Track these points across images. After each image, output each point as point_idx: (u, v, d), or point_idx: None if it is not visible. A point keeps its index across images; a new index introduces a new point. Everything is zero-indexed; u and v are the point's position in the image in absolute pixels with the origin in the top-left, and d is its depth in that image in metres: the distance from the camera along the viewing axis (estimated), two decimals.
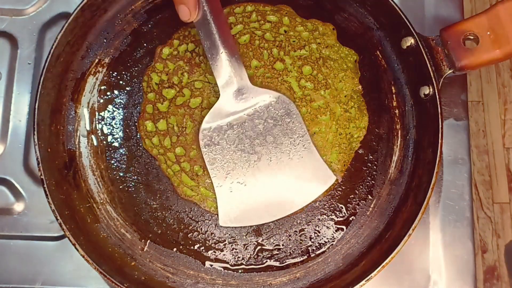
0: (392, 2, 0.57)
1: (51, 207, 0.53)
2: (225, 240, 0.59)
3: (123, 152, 0.61)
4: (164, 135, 0.61)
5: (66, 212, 0.55)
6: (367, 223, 0.59)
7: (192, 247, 0.59)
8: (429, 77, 0.55)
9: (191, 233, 0.59)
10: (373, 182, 0.60)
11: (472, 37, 0.56)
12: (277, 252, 0.59)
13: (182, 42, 0.63)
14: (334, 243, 0.59)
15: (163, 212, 0.60)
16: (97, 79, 0.62)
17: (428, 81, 0.56)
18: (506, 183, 1.33)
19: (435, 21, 0.65)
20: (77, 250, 0.52)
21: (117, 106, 0.62)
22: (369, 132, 0.61)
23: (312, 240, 0.59)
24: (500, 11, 0.55)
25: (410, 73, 0.60)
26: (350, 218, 0.59)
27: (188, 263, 0.58)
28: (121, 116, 0.61)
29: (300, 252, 0.59)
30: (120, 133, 0.61)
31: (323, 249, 0.59)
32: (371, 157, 0.61)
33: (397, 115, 0.61)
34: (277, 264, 0.58)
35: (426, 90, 0.57)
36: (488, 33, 0.55)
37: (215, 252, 0.59)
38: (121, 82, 0.62)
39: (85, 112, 0.61)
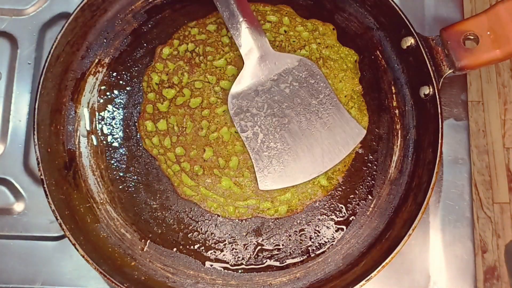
0: (392, 2, 0.57)
1: (51, 207, 0.53)
2: (225, 240, 0.59)
3: (123, 152, 0.61)
4: (164, 135, 0.61)
5: (66, 212, 0.55)
6: (367, 223, 0.59)
7: (192, 247, 0.59)
8: (429, 77, 0.55)
9: (191, 233, 0.59)
10: (373, 182, 0.60)
11: (472, 37, 0.56)
12: (277, 252, 0.59)
13: (182, 42, 0.63)
14: (334, 243, 0.59)
15: (163, 212, 0.60)
16: (97, 79, 0.62)
17: (428, 81, 0.56)
18: (506, 183, 1.33)
19: (435, 21, 0.65)
20: (77, 250, 0.52)
21: (117, 106, 0.62)
22: (369, 132, 0.61)
23: (312, 240, 0.59)
24: (500, 11, 0.55)
25: (410, 73, 0.60)
26: (350, 218, 0.59)
27: (188, 263, 0.58)
28: (121, 116, 0.62)
29: (300, 252, 0.59)
30: (120, 133, 0.61)
31: (323, 249, 0.59)
32: (371, 157, 0.61)
33: (397, 115, 0.61)
34: (277, 264, 0.58)
35: (426, 90, 0.57)
36: (488, 33, 0.55)
37: (215, 252, 0.59)
38: (121, 82, 0.62)
39: (85, 112, 0.61)
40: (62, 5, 0.66)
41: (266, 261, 0.58)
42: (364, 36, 0.63)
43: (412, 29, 0.56)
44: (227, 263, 0.58)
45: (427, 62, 0.55)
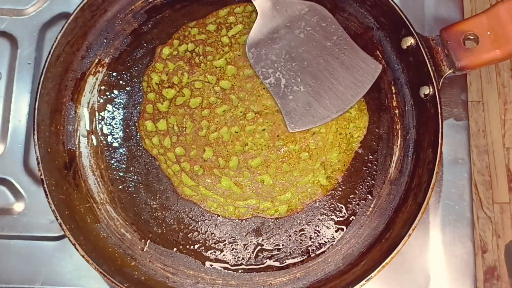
0: (392, 2, 0.57)
1: (51, 207, 0.53)
2: (225, 240, 0.59)
3: (123, 152, 0.61)
4: (164, 135, 0.61)
5: (66, 212, 0.55)
6: (367, 223, 0.59)
7: (192, 247, 0.59)
8: (429, 77, 0.55)
9: (191, 233, 0.59)
10: (373, 182, 0.60)
11: (472, 37, 0.56)
12: (277, 252, 0.59)
13: (182, 42, 0.63)
14: (334, 243, 0.59)
15: (163, 212, 0.60)
16: (97, 79, 0.62)
17: (428, 81, 0.56)
18: (506, 183, 1.33)
19: (435, 21, 0.65)
20: (77, 250, 0.53)
21: (117, 106, 0.62)
22: (369, 132, 0.61)
23: (312, 240, 0.59)
24: (500, 11, 0.55)
25: (410, 73, 0.60)
26: (350, 218, 0.59)
27: (188, 263, 0.58)
28: (121, 116, 0.62)
29: (300, 252, 0.59)
30: (120, 133, 0.61)
31: (323, 249, 0.59)
32: (371, 157, 0.61)
33: (397, 115, 0.61)
34: (277, 264, 0.58)
35: (426, 90, 0.56)
36: (488, 33, 0.55)
37: (215, 252, 0.59)
38: (121, 82, 0.62)
39: (85, 112, 0.61)
40: (62, 5, 0.66)
41: (266, 261, 0.58)
42: (364, 36, 0.63)
43: (412, 29, 0.56)
44: (227, 263, 0.58)
45: (427, 62, 0.55)
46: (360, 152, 0.61)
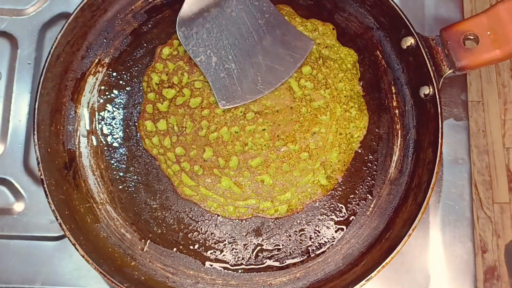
0: (392, 2, 0.57)
1: (51, 207, 0.53)
2: (225, 240, 0.59)
3: (123, 152, 0.61)
4: (164, 135, 0.61)
5: (66, 212, 0.55)
6: (367, 223, 0.59)
7: (192, 247, 0.59)
8: (429, 77, 0.55)
9: (191, 233, 0.59)
10: (373, 182, 0.60)
11: (472, 37, 0.56)
12: (277, 252, 0.59)
13: None
14: (334, 243, 0.59)
15: (163, 212, 0.60)
16: (97, 79, 0.62)
17: (428, 81, 0.56)
18: (506, 183, 1.33)
19: (435, 21, 0.65)
20: (77, 250, 0.52)
21: (117, 106, 0.62)
22: (369, 132, 0.61)
23: (312, 240, 0.59)
24: (500, 11, 0.55)
25: (410, 73, 0.60)
26: (350, 218, 0.59)
27: (188, 263, 0.58)
28: (121, 116, 0.62)
29: (300, 252, 0.59)
30: (120, 133, 0.61)
31: (323, 249, 0.59)
32: (371, 157, 0.61)
33: (397, 115, 0.61)
34: (277, 264, 0.58)
35: (426, 90, 0.57)
36: (488, 33, 0.55)
37: (215, 252, 0.59)
38: (121, 82, 0.62)
39: (85, 112, 0.61)
40: (62, 5, 0.66)
41: (266, 261, 0.58)
42: (364, 36, 0.63)
43: (412, 29, 0.56)
44: (227, 263, 0.58)
45: (427, 62, 0.55)
46: (360, 152, 0.61)
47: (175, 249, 0.59)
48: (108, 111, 0.62)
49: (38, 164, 0.54)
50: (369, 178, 0.60)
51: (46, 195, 0.54)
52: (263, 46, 0.60)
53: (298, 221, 0.59)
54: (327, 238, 0.59)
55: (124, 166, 0.60)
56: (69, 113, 0.60)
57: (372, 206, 0.60)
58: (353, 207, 0.60)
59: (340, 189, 0.60)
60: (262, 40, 0.60)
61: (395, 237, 0.55)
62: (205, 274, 0.58)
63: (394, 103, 0.62)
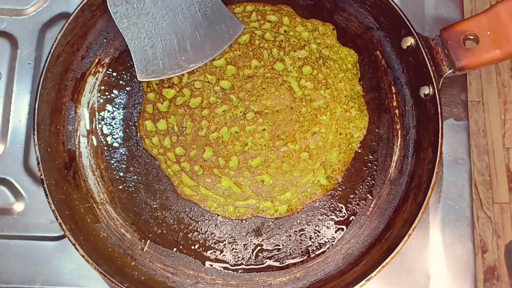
0: (392, 2, 0.57)
1: (51, 207, 0.53)
2: (225, 240, 0.59)
3: (123, 152, 0.61)
4: (164, 135, 0.61)
5: (66, 212, 0.55)
6: (367, 223, 0.59)
7: (192, 247, 0.59)
8: (429, 77, 0.55)
9: (191, 233, 0.59)
10: (373, 182, 0.60)
11: (472, 37, 0.56)
12: (277, 252, 0.59)
13: None
14: (334, 243, 0.59)
15: (163, 212, 0.60)
16: (97, 79, 0.62)
17: (428, 81, 0.56)
18: (506, 183, 1.33)
19: (435, 21, 0.65)
20: (77, 250, 0.52)
21: (117, 106, 0.62)
22: (369, 132, 0.61)
23: (312, 240, 0.59)
24: (500, 11, 0.55)
25: (410, 73, 0.60)
26: (350, 218, 0.59)
27: (188, 263, 0.58)
28: (121, 116, 0.61)
29: (300, 252, 0.59)
30: (120, 133, 0.61)
31: (323, 249, 0.59)
32: (371, 157, 0.61)
33: (397, 115, 0.61)
34: (277, 264, 0.58)
35: (426, 90, 0.57)
36: (488, 33, 0.55)
37: (215, 252, 0.59)
38: (121, 82, 0.62)
39: (85, 112, 0.61)
40: (62, 5, 0.65)
41: (266, 261, 0.58)
42: (364, 36, 0.63)
43: (412, 29, 0.56)
44: (227, 263, 0.58)
45: (427, 62, 0.55)
46: (360, 152, 0.61)
47: (175, 249, 0.59)
48: (108, 111, 0.62)
49: (38, 164, 0.54)
50: (369, 178, 0.60)
51: (46, 195, 0.54)
52: (193, 23, 0.60)
53: (298, 221, 0.59)
54: (327, 238, 0.59)
55: (124, 166, 0.60)
56: (69, 113, 0.60)
57: (372, 206, 0.60)
58: (353, 207, 0.60)
59: (340, 189, 0.60)
60: (192, 18, 0.60)
61: (395, 237, 0.55)
62: (205, 274, 0.58)
63: (394, 103, 0.62)
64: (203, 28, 0.60)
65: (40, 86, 0.55)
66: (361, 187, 0.60)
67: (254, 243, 0.59)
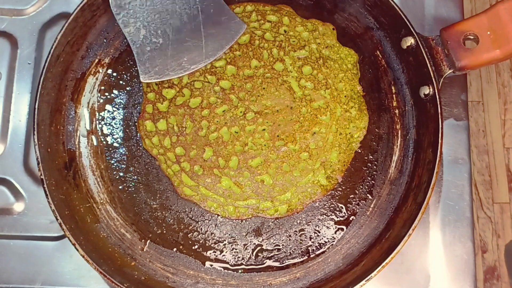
0: (392, 2, 0.57)
1: (51, 207, 0.53)
2: (225, 240, 0.59)
3: (123, 152, 0.61)
4: (164, 135, 0.61)
5: (66, 212, 0.55)
6: (367, 223, 0.59)
7: (192, 247, 0.59)
8: (429, 77, 0.55)
9: (191, 233, 0.59)
10: (373, 182, 0.60)
11: (472, 37, 0.56)
12: (277, 252, 0.59)
13: None
14: (334, 243, 0.59)
15: (163, 212, 0.60)
16: (97, 79, 0.62)
17: (428, 81, 0.56)
18: (506, 183, 1.33)
19: (435, 21, 0.65)
20: (77, 250, 0.52)
21: (117, 106, 0.62)
22: (369, 132, 0.61)
23: (312, 240, 0.59)
24: (500, 11, 0.55)
25: (410, 73, 0.60)
26: (350, 218, 0.59)
27: (188, 263, 0.58)
28: (121, 116, 0.61)
29: (300, 252, 0.59)
30: (120, 133, 0.61)
31: (323, 249, 0.59)
32: (371, 157, 0.61)
33: (397, 115, 0.61)
34: (277, 264, 0.58)
35: (426, 90, 0.57)
36: (488, 33, 0.55)
37: (215, 252, 0.59)
38: (121, 82, 0.62)
39: (85, 112, 0.61)
40: (62, 5, 0.65)
41: (266, 261, 0.58)
42: (364, 36, 0.63)
43: (412, 29, 0.56)
44: (227, 263, 0.58)
45: (427, 62, 0.55)
46: (360, 152, 0.61)
47: (175, 249, 0.59)
48: (108, 111, 0.62)
49: (38, 164, 0.54)
50: (369, 178, 0.60)
51: (46, 195, 0.54)
52: (195, 24, 0.59)
53: (298, 221, 0.59)
54: (327, 238, 0.59)
55: (124, 166, 0.60)
56: (69, 113, 0.60)
57: (372, 206, 0.60)
58: (353, 207, 0.60)
59: (340, 189, 0.60)
60: (194, 18, 0.59)
61: (395, 237, 0.55)
62: (205, 274, 0.58)
63: (394, 103, 0.62)
64: (205, 28, 0.59)
65: (40, 86, 0.55)
66: (361, 187, 0.60)
67: (254, 243, 0.59)
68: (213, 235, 0.59)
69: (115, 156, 0.61)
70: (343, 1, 0.63)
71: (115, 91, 0.62)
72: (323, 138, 0.61)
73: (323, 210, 0.60)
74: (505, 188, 1.33)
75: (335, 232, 0.59)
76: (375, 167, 0.61)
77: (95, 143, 0.61)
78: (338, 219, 0.59)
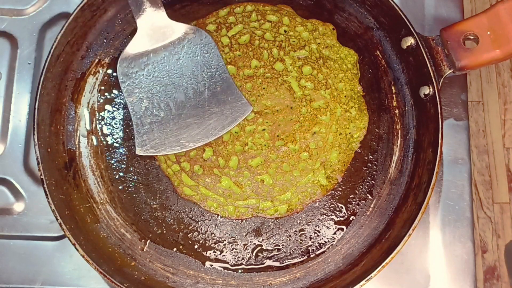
0: (392, 2, 0.57)
1: (51, 207, 0.53)
2: (225, 240, 0.59)
3: (123, 152, 0.61)
4: None
5: (66, 212, 0.55)
6: (367, 223, 0.59)
7: (192, 247, 0.59)
8: (429, 77, 0.55)
9: (191, 233, 0.59)
10: (373, 182, 0.60)
11: (472, 37, 0.56)
12: (277, 252, 0.59)
13: None
14: (334, 243, 0.59)
15: (163, 212, 0.60)
16: (97, 79, 0.62)
17: (428, 81, 0.56)
18: (506, 183, 1.33)
19: (435, 21, 0.65)
20: (77, 250, 0.52)
21: (117, 106, 0.62)
22: (369, 132, 0.61)
23: (312, 240, 0.59)
24: (500, 11, 0.55)
25: (410, 73, 0.60)
26: (350, 218, 0.59)
27: (188, 263, 0.58)
28: (121, 116, 0.61)
29: (300, 252, 0.59)
30: (120, 133, 0.61)
31: (323, 249, 0.59)
32: (371, 157, 0.61)
33: (397, 115, 0.61)
34: (277, 264, 0.58)
35: (426, 90, 0.57)
36: (488, 33, 0.55)
37: (215, 252, 0.59)
38: None
39: (85, 112, 0.61)
40: (62, 5, 0.65)
41: (266, 261, 0.58)
42: (364, 36, 0.63)
43: (412, 29, 0.56)
44: (227, 263, 0.58)
45: (427, 62, 0.55)
46: (360, 152, 0.61)
47: (175, 249, 0.59)
48: (108, 111, 0.62)
49: (38, 164, 0.54)
50: (369, 178, 0.60)
51: (46, 195, 0.54)
52: (199, 100, 0.58)
53: (298, 221, 0.59)
54: (327, 238, 0.59)
55: (124, 166, 0.60)
56: (69, 113, 0.60)
57: (372, 206, 0.60)
58: (353, 207, 0.60)
59: (340, 189, 0.60)
60: (200, 94, 0.58)
61: (395, 237, 0.55)
62: (205, 274, 0.58)
63: (394, 103, 0.62)
64: (209, 106, 0.58)
65: (40, 86, 0.55)
66: (361, 187, 0.60)
67: (254, 243, 0.59)
68: (213, 235, 0.59)
69: (115, 156, 0.61)
70: (343, 1, 0.63)
71: (115, 91, 0.62)
72: (323, 138, 0.61)
73: (323, 210, 0.60)
74: (505, 188, 1.33)
75: (335, 232, 0.59)
76: (375, 167, 0.61)
77: (95, 143, 0.61)
78: (338, 219, 0.59)
